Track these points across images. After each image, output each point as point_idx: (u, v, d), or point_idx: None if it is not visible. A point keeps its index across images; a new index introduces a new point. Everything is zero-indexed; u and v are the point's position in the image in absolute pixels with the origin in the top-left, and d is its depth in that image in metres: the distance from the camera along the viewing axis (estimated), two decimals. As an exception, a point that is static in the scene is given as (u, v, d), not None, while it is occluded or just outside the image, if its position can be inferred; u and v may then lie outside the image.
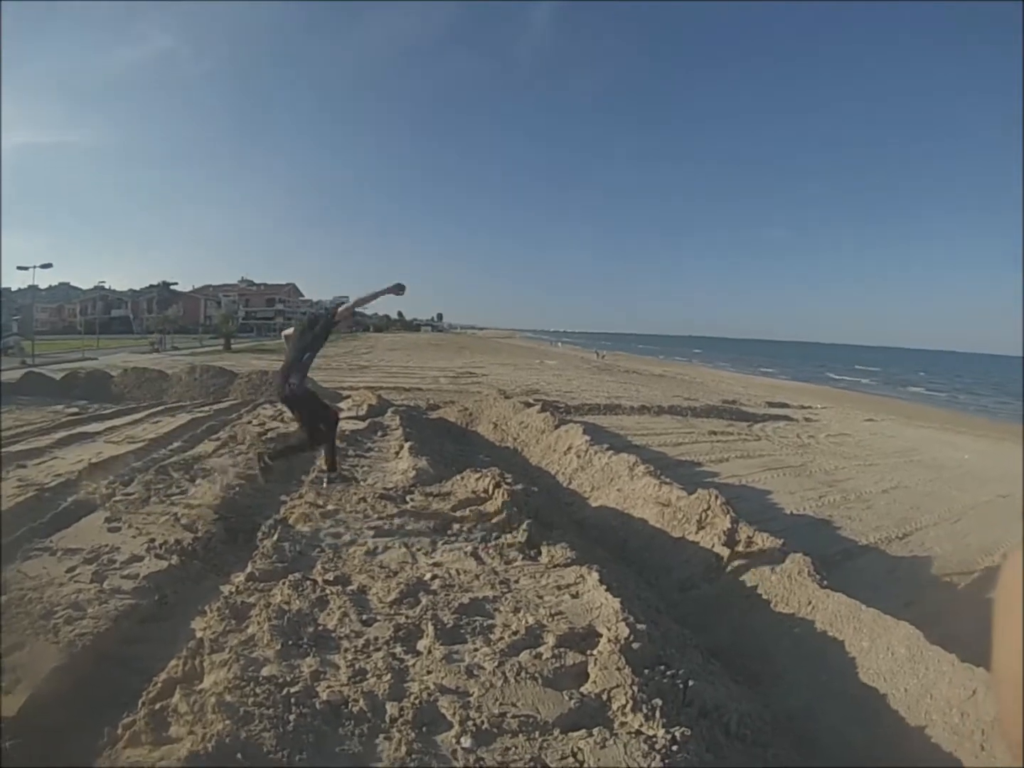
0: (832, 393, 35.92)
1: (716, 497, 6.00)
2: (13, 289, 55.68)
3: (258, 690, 2.28)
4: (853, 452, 12.77)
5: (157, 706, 2.23)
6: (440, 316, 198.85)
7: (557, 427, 10.59)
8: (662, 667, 2.85)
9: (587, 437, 9.51)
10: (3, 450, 6.94)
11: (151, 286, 79.79)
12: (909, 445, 14.68)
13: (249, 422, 9.73)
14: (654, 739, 2.26)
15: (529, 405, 12.84)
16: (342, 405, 12.73)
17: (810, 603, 4.39)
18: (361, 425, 9.88)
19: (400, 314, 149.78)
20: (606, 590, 3.56)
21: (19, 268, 33.69)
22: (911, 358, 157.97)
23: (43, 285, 71.94)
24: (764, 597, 4.66)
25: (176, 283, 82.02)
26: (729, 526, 5.59)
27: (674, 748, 2.21)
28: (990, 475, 11.64)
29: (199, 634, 2.87)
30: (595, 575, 3.78)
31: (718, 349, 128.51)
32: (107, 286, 79.34)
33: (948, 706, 3.20)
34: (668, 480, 7.04)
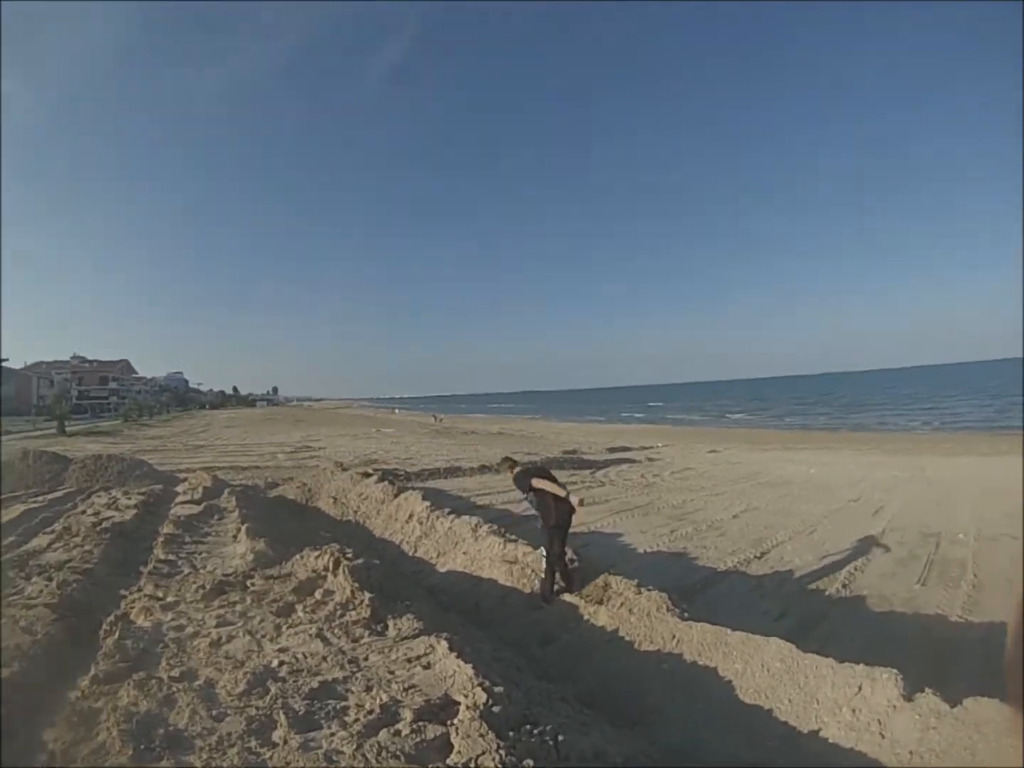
0: (672, 431, 38.52)
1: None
2: None
3: (115, 803, 2.20)
4: (699, 484, 13.78)
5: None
6: (275, 389, 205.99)
7: (397, 495, 10.75)
8: (528, 726, 2.86)
9: (427, 503, 9.61)
10: None
11: (-20, 363, 74.61)
12: (754, 469, 16.10)
13: (84, 511, 9.76)
14: (532, 800, 2.22)
15: (367, 476, 12.94)
16: (178, 489, 12.79)
17: (674, 637, 4.58)
18: (197, 509, 9.91)
19: (235, 389, 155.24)
20: (457, 657, 3.59)
21: None
22: (735, 388, 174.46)
23: None
24: (627, 638, 4.80)
25: (7, 359, 77.41)
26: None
27: (556, 805, 2.18)
28: (837, 483, 13.18)
29: (50, 747, 2.87)
30: (444, 643, 3.81)
31: (556, 401, 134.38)
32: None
33: (836, 706, 3.44)
34: (513, 537, 7.23)
